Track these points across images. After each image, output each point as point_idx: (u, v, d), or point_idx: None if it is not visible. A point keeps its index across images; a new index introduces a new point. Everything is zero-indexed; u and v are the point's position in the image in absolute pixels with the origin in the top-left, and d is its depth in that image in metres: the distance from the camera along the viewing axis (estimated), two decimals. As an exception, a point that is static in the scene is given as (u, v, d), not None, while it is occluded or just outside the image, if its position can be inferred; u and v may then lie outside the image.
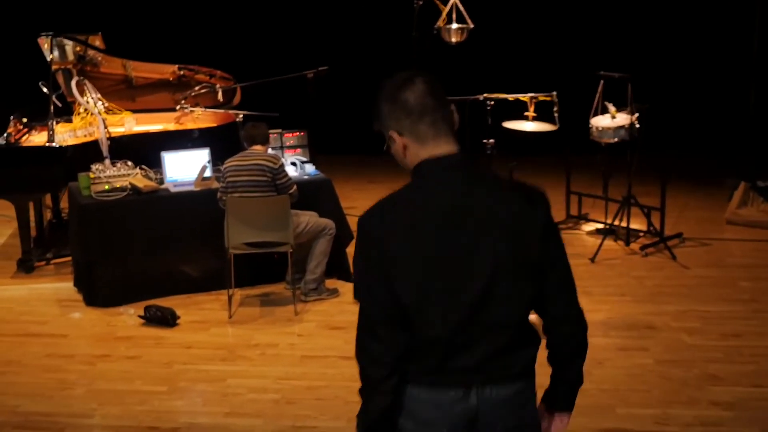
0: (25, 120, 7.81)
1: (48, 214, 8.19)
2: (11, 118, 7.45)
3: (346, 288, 6.84)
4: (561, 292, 2.40)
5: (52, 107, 7.37)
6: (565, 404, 2.53)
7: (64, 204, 7.91)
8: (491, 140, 6.31)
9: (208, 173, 6.85)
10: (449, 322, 2.27)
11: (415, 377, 2.34)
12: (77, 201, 6.70)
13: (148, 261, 6.68)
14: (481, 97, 6.34)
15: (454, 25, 7.22)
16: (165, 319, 6.24)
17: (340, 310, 6.47)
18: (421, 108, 2.30)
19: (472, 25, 7.21)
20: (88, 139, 7.47)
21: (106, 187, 6.72)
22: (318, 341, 5.98)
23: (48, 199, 8.22)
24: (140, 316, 6.33)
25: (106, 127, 7.41)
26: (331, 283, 6.84)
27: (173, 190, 6.79)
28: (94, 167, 6.85)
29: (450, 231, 2.26)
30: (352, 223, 7.52)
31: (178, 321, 6.27)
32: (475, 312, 2.27)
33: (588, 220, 8.27)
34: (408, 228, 2.27)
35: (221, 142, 7.48)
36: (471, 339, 2.29)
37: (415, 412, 2.35)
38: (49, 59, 7.49)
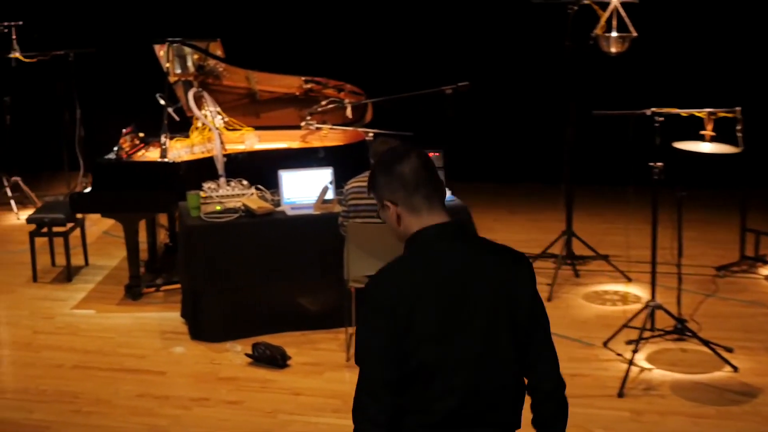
0: (142, 134, 7.27)
1: (163, 236, 7.62)
2: (122, 131, 6.89)
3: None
4: (544, 351, 2.52)
5: (165, 120, 6.79)
6: None
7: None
8: (659, 163, 5.34)
9: (329, 195, 6.10)
10: (457, 383, 2.39)
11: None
12: (184, 222, 6.05)
13: (259, 292, 5.97)
14: (648, 112, 5.37)
15: (614, 34, 6.29)
16: (274, 359, 5.50)
17: (473, 358, 5.58)
18: (416, 181, 2.43)
19: (635, 34, 6.27)
20: (205, 155, 6.84)
21: (218, 207, 6.05)
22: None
23: (164, 219, 7.67)
24: (247, 354, 5.60)
25: (222, 143, 6.78)
26: (464, 324, 5.97)
27: (290, 213, 6.06)
28: (205, 186, 6.21)
29: (453, 297, 2.39)
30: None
31: (288, 362, 5.52)
32: (478, 372, 2.40)
33: (767, 263, 7.12)
34: (415, 295, 2.37)
35: (349, 163, 6.70)
36: (474, 397, 2.41)
37: None
38: (165, 68, 6.92)
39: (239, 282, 5.94)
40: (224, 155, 6.69)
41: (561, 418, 2.56)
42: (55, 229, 7.31)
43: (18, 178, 9.26)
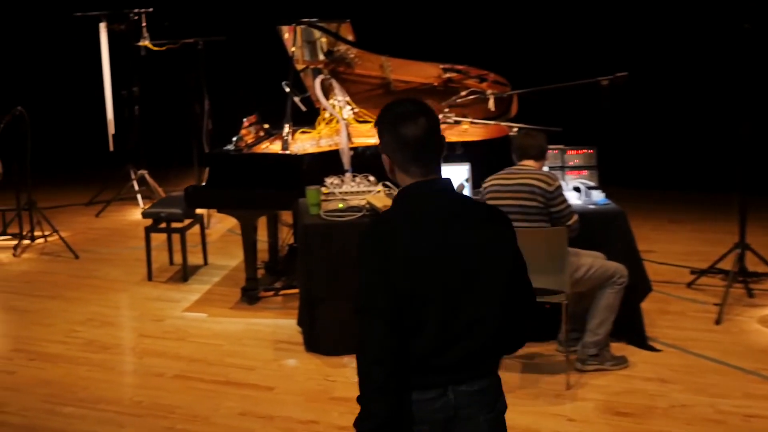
0: (266, 126, 6.74)
1: (285, 234, 7.06)
2: (244, 120, 6.36)
3: (639, 357, 5.12)
4: (525, 296, 2.65)
5: (289, 109, 6.22)
6: None
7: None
8: None
9: (465, 193, 5.38)
10: (437, 324, 2.47)
11: None
12: (302, 220, 5.45)
13: (382, 301, 5.28)
14: None
15: (806, 14, 5.36)
16: (395, 379, 4.81)
17: (628, 388, 4.75)
18: (415, 148, 2.50)
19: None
20: (332, 148, 6.24)
21: (340, 205, 5.43)
22: (595, 429, 4.32)
23: (288, 217, 7.10)
24: (366, 372, 4.94)
25: (349, 135, 6.16)
26: (618, 348, 5.15)
27: (420, 213, 5.37)
28: (328, 181, 5.60)
29: (440, 244, 2.48)
30: (651, 271, 5.77)
31: (411, 383, 4.82)
32: (457, 315, 2.49)
33: None
34: (406, 240, 2.46)
35: (489, 159, 5.97)
36: (452, 340, 2.49)
37: None
38: (290, 53, 6.35)
39: (361, 289, 5.29)
40: (351, 148, 6.07)
41: (516, 346, 2.71)
42: (173, 225, 6.86)
43: (145, 172, 8.95)
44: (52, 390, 4.91)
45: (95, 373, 5.14)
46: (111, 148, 8.72)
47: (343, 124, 6.18)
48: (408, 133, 2.47)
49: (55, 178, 10.20)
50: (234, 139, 6.25)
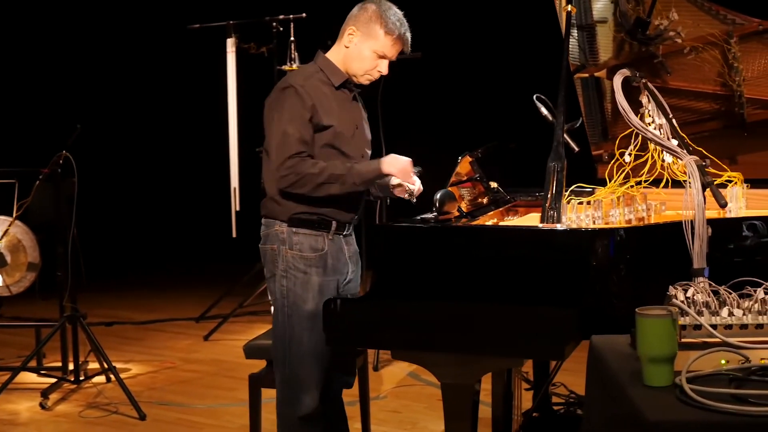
0: (493, 184, 3.41)
1: (520, 392, 3.62)
2: (460, 158, 3.06)
3: None
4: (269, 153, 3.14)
5: (559, 146, 2.87)
6: None
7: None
8: None
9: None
10: None
11: None
12: (626, 399, 1.95)
13: None
14: None
15: None
16: None
17: None
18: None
19: None
20: (661, 220, 2.85)
21: (723, 361, 1.93)
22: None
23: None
24: None
25: (716, 192, 2.72)
26: None
27: None
28: (678, 296, 2.10)
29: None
30: None
31: None
32: None
33: None
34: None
35: None
36: None
37: None
38: (562, 22, 3.04)
39: None
40: (716, 222, 2.64)
41: None
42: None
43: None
44: None
45: None
46: (234, 232, 5.58)
47: (691, 166, 2.71)
48: None
49: (151, 275, 7.21)
50: (437, 198, 2.89)
